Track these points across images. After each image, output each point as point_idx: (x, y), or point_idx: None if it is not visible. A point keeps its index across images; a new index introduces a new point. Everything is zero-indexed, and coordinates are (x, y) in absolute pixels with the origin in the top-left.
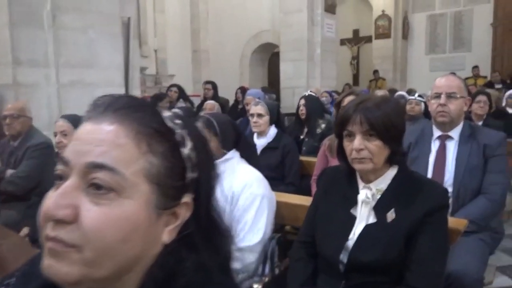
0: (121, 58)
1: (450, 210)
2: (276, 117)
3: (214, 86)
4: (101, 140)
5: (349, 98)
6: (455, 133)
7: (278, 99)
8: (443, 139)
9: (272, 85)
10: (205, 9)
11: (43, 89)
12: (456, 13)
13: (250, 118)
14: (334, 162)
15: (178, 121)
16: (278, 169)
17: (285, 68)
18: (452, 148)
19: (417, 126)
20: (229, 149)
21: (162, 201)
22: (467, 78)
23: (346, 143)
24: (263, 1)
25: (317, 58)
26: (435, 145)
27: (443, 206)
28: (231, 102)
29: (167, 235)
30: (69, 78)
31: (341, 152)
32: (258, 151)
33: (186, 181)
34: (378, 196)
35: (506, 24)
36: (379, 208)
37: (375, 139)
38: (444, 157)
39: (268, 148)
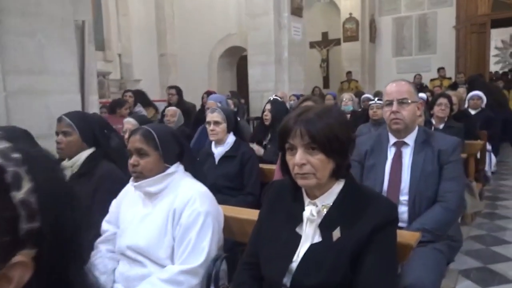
0: (75, 63)
1: (406, 218)
2: (234, 125)
3: (179, 91)
4: None
5: (307, 104)
6: (410, 139)
7: (247, 103)
8: (399, 145)
9: (241, 89)
10: (171, 12)
11: None
12: (421, 16)
13: (207, 126)
14: None
15: (15, 156)
16: (237, 179)
17: (253, 72)
18: (407, 155)
19: (373, 133)
20: (171, 163)
21: None
22: (433, 80)
23: (288, 157)
24: (230, 4)
25: (285, 61)
26: (391, 152)
27: (390, 221)
28: (198, 107)
29: None
30: (17, 85)
31: (285, 166)
32: (216, 160)
33: (19, 234)
34: (324, 213)
35: (467, 27)
36: (325, 226)
37: (318, 153)
38: (400, 165)
39: (226, 156)
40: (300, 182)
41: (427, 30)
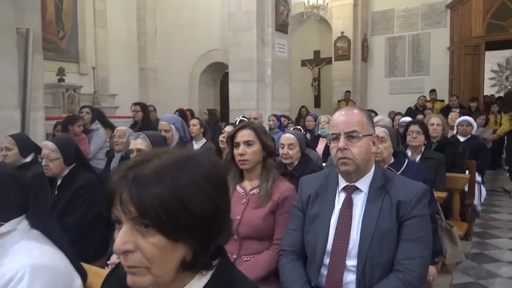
0: (15, 75)
1: None
2: None
3: (144, 108)
4: None
5: (244, 133)
6: (364, 183)
7: (227, 121)
8: (350, 191)
9: (225, 107)
10: (153, 26)
11: None
12: (414, 36)
13: (130, 155)
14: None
15: None
16: None
17: (234, 89)
18: (359, 205)
19: (322, 172)
20: (8, 218)
21: None
22: (426, 102)
23: (116, 234)
24: (213, 19)
25: (268, 79)
26: (339, 200)
27: None
28: None
29: None
30: None
31: None
32: None
33: None
34: None
35: (461, 49)
36: None
37: (154, 234)
38: (349, 217)
39: None
40: (127, 279)
41: (420, 51)
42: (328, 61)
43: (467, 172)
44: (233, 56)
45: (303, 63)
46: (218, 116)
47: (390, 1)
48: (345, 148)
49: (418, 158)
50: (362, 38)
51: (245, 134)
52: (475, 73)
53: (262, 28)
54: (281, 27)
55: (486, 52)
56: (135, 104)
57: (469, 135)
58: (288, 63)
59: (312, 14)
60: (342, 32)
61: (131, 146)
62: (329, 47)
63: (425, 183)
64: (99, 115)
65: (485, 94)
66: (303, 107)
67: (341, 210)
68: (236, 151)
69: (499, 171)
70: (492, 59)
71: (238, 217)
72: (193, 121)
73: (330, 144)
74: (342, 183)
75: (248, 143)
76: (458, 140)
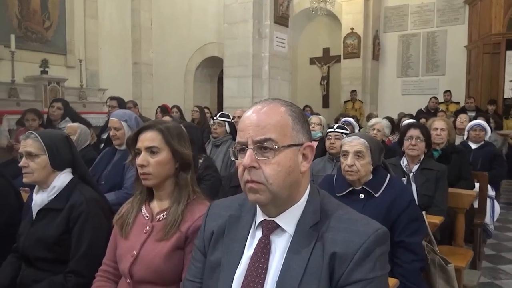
0: None
1: None
2: (70, 157)
3: (120, 103)
4: None
5: (147, 136)
6: (289, 220)
7: None
8: (267, 230)
9: (222, 105)
10: (148, 18)
11: None
12: (429, 33)
13: (19, 159)
14: (126, 245)
15: None
16: (60, 247)
17: (228, 85)
18: (279, 253)
19: (237, 197)
20: None
21: None
22: (439, 103)
23: None
24: (209, 10)
25: (265, 75)
26: (253, 242)
27: None
28: None
29: None
30: None
31: None
32: (34, 213)
33: None
34: None
35: (480, 47)
36: None
37: None
38: (262, 272)
39: (46, 209)
40: None
41: (436, 50)
42: (338, 59)
43: (477, 185)
44: (228, 49)
45: (312, 61)
46: (210, 114)
47: None
48: (254, 167)
49: (415, 168)
50: (373, 35)
51: (147, 138)
52: (494, 73)
53: (259, 20)
54: (281, 19)
55: (508, 52)
56: (111, 98)
57: (482, 142)
58: (288, 59)
59: (319, 8)
60: (352, 29)
61: (20, 149)
62: (339, 44)
63: (412, 205)
64: (71, 112)
65: (505, 97)
66: (306, 106)
67: (252, 259)
68: (137, 161)
69: None
70: None
71: (134, 252)
72: (165, 119)
73: (235, 158)
74: (260, 216)
75: (151, 150)
76: (470, 147)
